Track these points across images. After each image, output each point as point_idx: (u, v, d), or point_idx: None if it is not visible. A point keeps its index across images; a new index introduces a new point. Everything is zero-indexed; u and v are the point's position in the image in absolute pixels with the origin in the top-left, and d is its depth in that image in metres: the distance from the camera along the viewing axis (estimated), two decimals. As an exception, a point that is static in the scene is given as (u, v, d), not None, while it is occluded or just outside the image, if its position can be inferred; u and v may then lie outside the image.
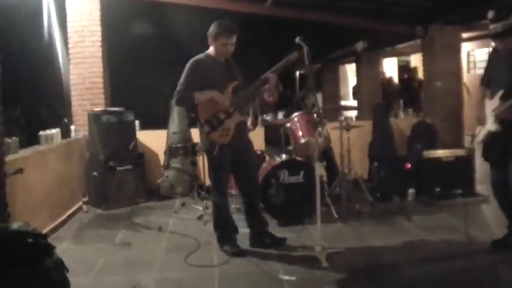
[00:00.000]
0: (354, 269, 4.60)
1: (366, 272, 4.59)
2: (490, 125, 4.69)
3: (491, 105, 4.71)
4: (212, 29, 4.94)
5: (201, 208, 6.63)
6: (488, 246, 4.92)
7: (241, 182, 5.25)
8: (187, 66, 4.94)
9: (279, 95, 6.79)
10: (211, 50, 5.05)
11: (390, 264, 4.70)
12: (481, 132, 4.78)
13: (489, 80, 4.87)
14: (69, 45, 8.07)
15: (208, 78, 4.91)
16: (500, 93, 4.60)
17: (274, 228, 5.60)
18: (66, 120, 7.36)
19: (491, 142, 4.70)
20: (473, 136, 5.08)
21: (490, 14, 4.81)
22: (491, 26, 4.70)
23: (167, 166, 7.85)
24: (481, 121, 4.81)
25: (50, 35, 8.13)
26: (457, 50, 9.15)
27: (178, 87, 4.88)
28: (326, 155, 6.85)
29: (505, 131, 4.58)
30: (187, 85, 4.85)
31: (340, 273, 4.46)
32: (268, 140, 6.87)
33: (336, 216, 6.12)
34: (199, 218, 6.37)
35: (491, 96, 4.75)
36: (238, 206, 6.35)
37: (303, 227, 5.62)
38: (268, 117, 6.41)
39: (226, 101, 4.89)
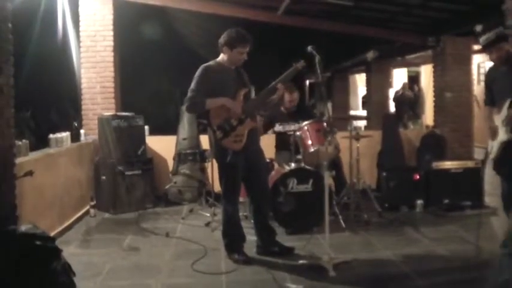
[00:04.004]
0: (362, 279, 4.58)
1: (374, 282, 4.57)
2: (502, 135, 4.67)
3: (500, 118, 4.71)
4: (228, 37, 4.94)
5: (208, 215, 6.63)
6: (496, 259, 4.89)
7: (251, 189, 5.25)
8: (198, 73, 4.94)
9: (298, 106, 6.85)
10: (222, 57, 5.06)
11: (398, 274, 4.67)
12: (494, 147, 4.76)
13: (492, 98, 4.87)
14: (82, 50, 8.11)
15: (219, 85, 4.92)
16: (507, 103, 4.59)
17: (282, 236, 5.58)
18: (76, 124, 7.39)
19: (504, 155, 4.68)
20: (486, 152, 5.05)
21: (479, 27, 4.83)
22: (484, 37, 4.73)
23: (176, 172, 7.85)
24: (494, 132, 4.78)
25: (64, 39, 8.19)
26: (468, 62, 9.13)
27: (190, 94, 4.89)
28: (334, 164, 6.83)
29: None
30: (198, 92, 4.86)
31: (347, 283, 4.45)
32: (279, 146, 6.83)
33: (343, 225, 6.10)
34: (207, 224, 6.36)
35: (499, 110, 4.74)
36: (246, 214, 6.35)
37: (311, 235, 5.60)
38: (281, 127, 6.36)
39: (238, 108, 4.90)
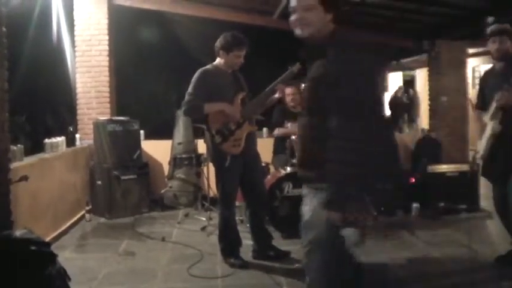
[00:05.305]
0: (358, 283, 4.58)
1: (369, 286, 4.56)
2: (490, 130, 4.66)
3: (488, 113, 4.71)
4: (224, 41, 4.94)
5: (204, 219, 6.63)
6: (492, 262, 4.90)
7: (249, 193, 5.24)
8: (196, 76, 4.93)
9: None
10: (219, 61, 5.05)
11: (394, 279, 4.67)
12: (482, 144, 4.75)
13: (484, 102, 4.86)
14: (77, 54, 8.10)
15: (217, 89, 4.92)
16: (496, 97, 4.60)
17: (278, 240, 5.57)
18: (71, 129, 7.37)
19: (491, 158, 4.69)
20: (475, 151, 5.06)
21: (490, 19, 4.83)
22: (495, 25, 4.74)
23: (171, 176, 7.84)
24: (483, 130, 4.79)
25: (59, 43, 8.18)
26: (463, 66, 9.16)
27: (187, 98, 4.88)
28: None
29: (505, 146, 4.57)
30: (196, 95, 4.85)
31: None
32: (277, 150, 6.82)
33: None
34: (203, 229, 6.36)
35: (488, 111, 4.75)
36: (241, 218, 6.34)
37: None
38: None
39: (237, 113, 4.91)
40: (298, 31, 2.76)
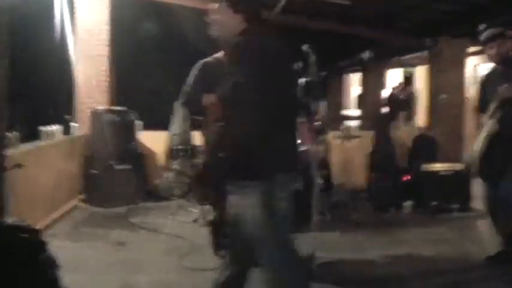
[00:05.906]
0: (348, 279, 4.59)
1: (360, 282, 4.58)
2: (486, 130, 4.65)
3: (488, 113, 4.70)
4: None
5: (197, 211, 6.63)
6: (482, 261, 4.92)
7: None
8: (196, 67, 4.88)
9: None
10: (220, 54, 5.02)
11: (384, 276, 4.69)
12: (479, 143, 4.74)
13: (485, 105, 4.84)
14: (77, 43, 8.08)
15: (216, 82, 4.88)
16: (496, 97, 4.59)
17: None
18: (67, 117, 7.36)
19: (487, 158, 4.69)
20: (471, 151, 5.05)
21: (482, 26, 4.82)
22: (489, 30, 4.72)
23: (167, 167, 7.84)
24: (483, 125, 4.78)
25: (60, 32, 8.15)
26: (463, 64, 9.15)
27: (186, 89, 4.84)
28: (323, 164, 6.83)
29: (502, 146, 4.57)
30: (195, 88, 4.81)
31: (334, 283, 4.45)
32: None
33: (333, 225, 6.11)
34: (195, 221, 6.37)
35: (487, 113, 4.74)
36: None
37: (299, 235, 5.60)
38: None
39: None
40: (211, 32, 3.14)
